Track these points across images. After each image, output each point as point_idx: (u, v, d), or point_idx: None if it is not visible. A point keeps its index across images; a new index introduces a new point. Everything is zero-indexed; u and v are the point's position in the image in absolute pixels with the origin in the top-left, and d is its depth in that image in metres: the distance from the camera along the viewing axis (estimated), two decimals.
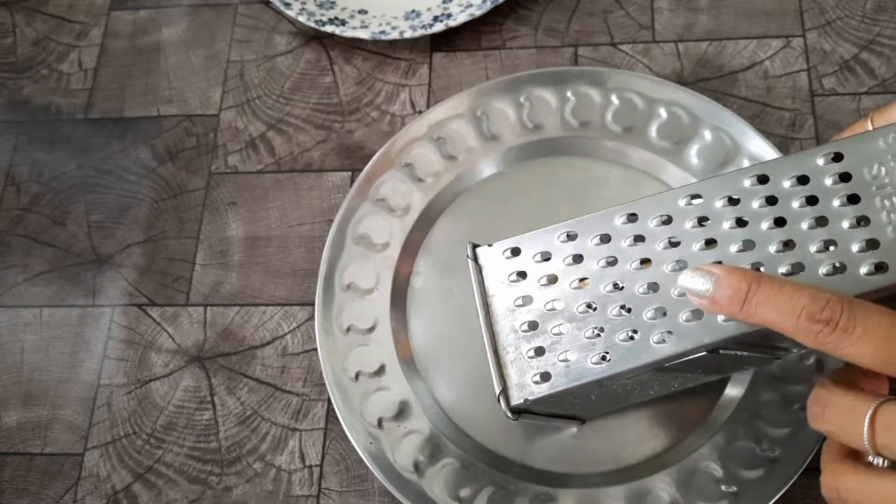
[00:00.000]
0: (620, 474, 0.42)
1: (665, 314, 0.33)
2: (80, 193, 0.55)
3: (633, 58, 0.54)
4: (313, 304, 0.48)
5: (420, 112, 0.54)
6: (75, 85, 0.59)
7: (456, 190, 0.50)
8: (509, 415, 0.34)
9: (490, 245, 0.37)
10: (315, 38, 0.58)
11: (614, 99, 0.50)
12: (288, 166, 0.54)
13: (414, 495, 0.42)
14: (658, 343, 0.33)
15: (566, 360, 0.34)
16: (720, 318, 0.32)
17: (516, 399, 0.34)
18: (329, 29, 0.55)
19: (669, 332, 0.33)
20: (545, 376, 0.34)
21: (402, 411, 0.45)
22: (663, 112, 0.49)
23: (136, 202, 0.54)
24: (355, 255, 0.48)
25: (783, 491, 0.40)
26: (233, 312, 0.50)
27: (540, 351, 0.34)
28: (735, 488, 0.40)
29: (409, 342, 0.47)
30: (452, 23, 0.54)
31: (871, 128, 0.36)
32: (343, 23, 0.55)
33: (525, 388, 0.34)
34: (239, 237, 0.52)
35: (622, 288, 0.34)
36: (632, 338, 0.33)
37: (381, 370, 0.46)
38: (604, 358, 0.33)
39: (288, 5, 0.56)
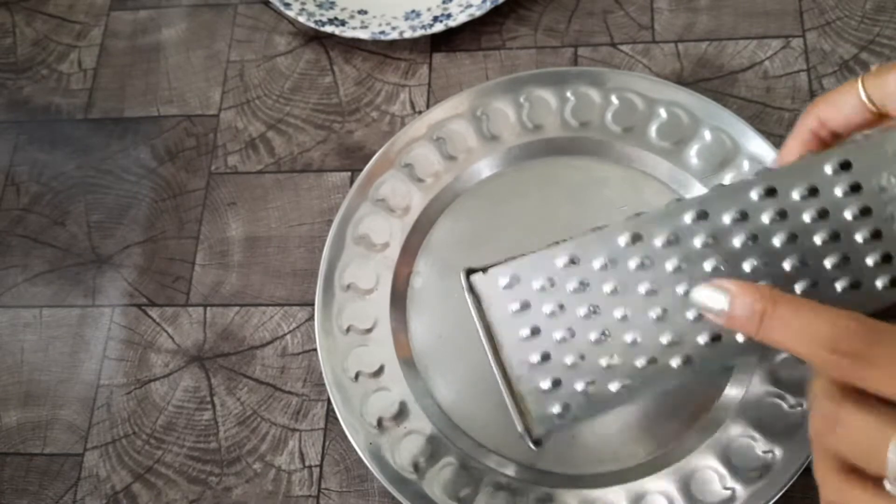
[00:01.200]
0: (620, 474, 0.42)
1: (681, 340, 0.32)
2: (80, 193, 0.55)
3: (632, 58, 0.54)
4: (313, 305, 0.48)
5: (420, 112, 0.54)
6: (75, 85, 0.59)
7: (456, 190, 0.50)
8: (533, 448, 0.33)
9: (485, 272, 0.34)
10: (315, 38, 0.58)
11: (614, 99, 0.50)
12: (288, 166, 0.54)
13: (414, 495, 0.42)
14: (679, 365, 0.32)
15: (585, 391, 0.33)
16: (739, 337, 0.31)
17: (539, 433, 0.33)
18: (329, 29, 0.55)
19: (688, 358, 0.32)
20: (566, 408, 0.33)
21: (401, 411, 0.45)
22: (663, 112, 0.49)
23: (136, 202, 0.54)
24: (355, 256, 0.48)
25: (783, 491, 0.40)
26: (232, 313, 0.50)
27: (557, 382, 0.33)
28: (735, 488, 0.40)
29: (409, 342, 0.47)
30: (452, 23, 0.54)
31: (862, 94, 0.34)
32: (343, 23, 0.55)
33: (547, 421, 0.33)
34: (239, 237, 0.52)
35: (634, 314, 0.33)
36: (652, 362, 0.32)
37: (380, 370, 0.46)
38: (623, 384, 0.33)
39: (288, 5, 0.56)
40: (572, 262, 0.34)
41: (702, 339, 0.32)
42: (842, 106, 0.34)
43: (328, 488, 0.45)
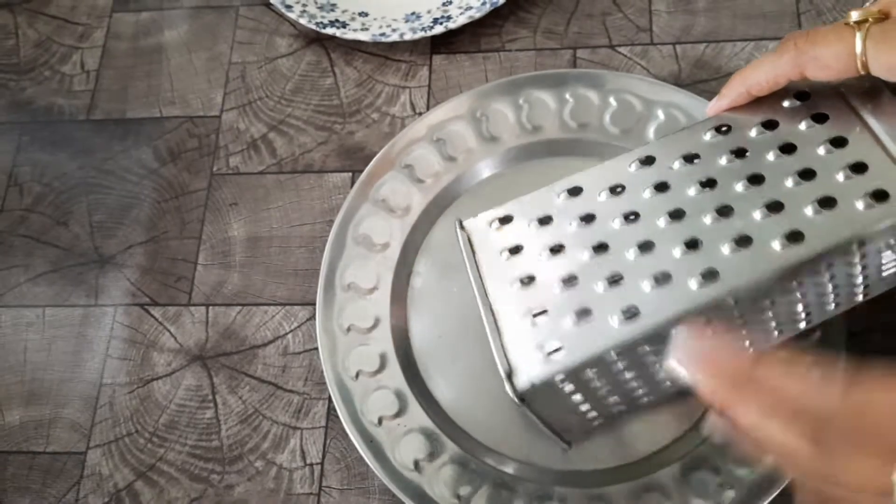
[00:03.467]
0: (620, 472, 0.43)
1: (700, 246, 0.31)
2: (83, 194, 0.55)
3: (631, 60, 0.54)
4: (314, 304, 0.48)
5: (420, 114, 0.54)
6: (78, 86, 0.59)
7: (455, 191, 0.50)
8: (516, 400, 0.32)
9: (476, 216, 0.34)
10: (316, 40, 0.58)
11: (612, 101, 0.50)
12: (289, 167, 0.54)
13: (414, 493, 0.42)
14: (699, 285, 0.30)
15: (580, 322, 0.31)
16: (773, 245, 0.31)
17: (523, 383, 0.31)
18: (330, 31, 0.55)
19: (710, 273, 0.30)
20: (555, 352, 0.31)
21: (402, 410, 0.45)
22: (661, 114, 0.49)
23: (138, 203, 0.55)
24: (356, 256, 0.49)
25: (782, 490, 0.40)
26: (234, 312, 0.50)
27: (549, 325, 0.31)
28: (734, 487, 0.41)
29: (409, 341, 0.47)
30: (452, 25, 0.54)
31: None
32: (344, 25, 0.56)
33: (534, 367, 0.31)
34: (240, 237, 0.53)
35: (647, 248, 0.31)
36: (663, 280, 0.30)
37: (381, 369, 0.46)
38: (627, 314, 0.31)
39: (289, 7, 0.56)
40: (571, 193, 0.33)
41: (726, 249, 0.30)
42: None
43: (329, 486, 0.46)
